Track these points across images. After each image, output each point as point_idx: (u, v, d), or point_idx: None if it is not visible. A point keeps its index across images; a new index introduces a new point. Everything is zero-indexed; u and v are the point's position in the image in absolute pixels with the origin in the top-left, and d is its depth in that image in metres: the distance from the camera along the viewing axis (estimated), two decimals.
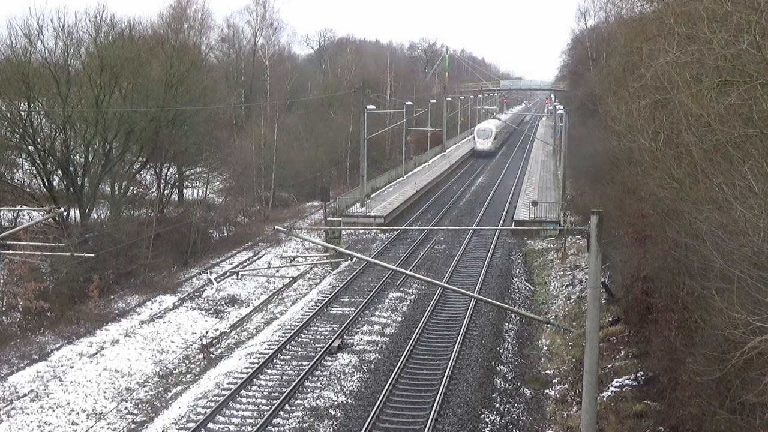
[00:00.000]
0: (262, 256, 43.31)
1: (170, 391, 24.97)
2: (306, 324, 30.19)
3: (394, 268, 16.32)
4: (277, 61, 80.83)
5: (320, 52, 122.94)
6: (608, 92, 32.35)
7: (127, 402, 23.92)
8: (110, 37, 43.24)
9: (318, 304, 33.25)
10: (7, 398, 23.70)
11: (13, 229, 21.80)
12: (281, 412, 22.18)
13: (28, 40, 39.76)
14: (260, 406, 22.75)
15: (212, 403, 22.76)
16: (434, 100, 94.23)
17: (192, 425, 21.27)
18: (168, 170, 47.96)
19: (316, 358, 26.13)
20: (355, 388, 23.93)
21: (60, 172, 38.93)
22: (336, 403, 22.82)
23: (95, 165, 39.77)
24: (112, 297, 34.57)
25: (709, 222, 13.77)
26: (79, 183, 38.91)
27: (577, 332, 16.71)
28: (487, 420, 21.87)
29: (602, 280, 29.69)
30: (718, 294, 13.21)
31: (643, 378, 22.79)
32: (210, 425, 21.47)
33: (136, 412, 23.29)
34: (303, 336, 29.17)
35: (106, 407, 23.39)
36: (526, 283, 37.97)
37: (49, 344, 28.59)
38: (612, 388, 22.93)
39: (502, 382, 24.72)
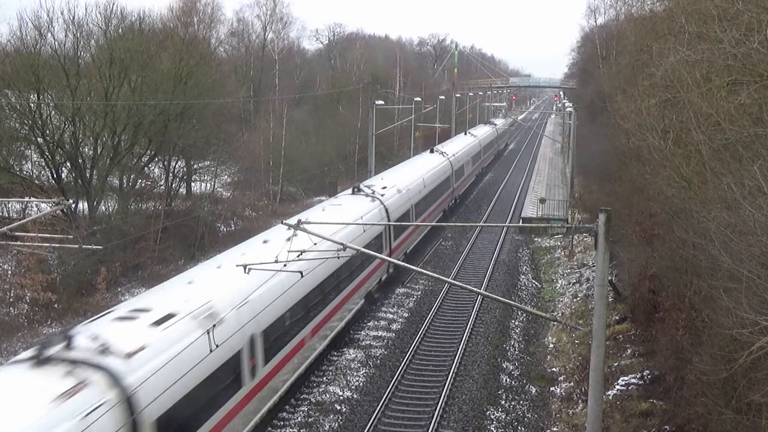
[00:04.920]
0: None
1: None
2: None
3: (401, 263, 16.31)
4: (286, 55, 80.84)
5: (329, 47, 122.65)
6: (617, 90, 32.22)
7: None
8: (120, 30, 43.45)
9: None
10: None
11: (22, 220, 21.88)
12: (286, 406, 22.21)
13: (38, 32, 39.97)
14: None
15: None
16: (443, 97, 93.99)
17: None
18: (176, 164, 48.10)
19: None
20: (361, 384, 23.96)
21: (68, 164, 39.07)
22: (342, 398, 22.85)
23: (104, 157, 39.89)
24: (119, 289, 34.69)
25: (718, 221, 13.72)
26: (88, 175, 39.03)
27: (584, 330, 16.70)
28: (492, 417, 21.87)
29: (609, 278, 29.67)
30: (726, 293, 13.15)
31: (649, 377, 22.74)
32: None
33: None
34: None
35: None
36: (533, 281, 37.89)
37: None
38: (618, 387, 22.90)
39: (508, 379, 24.70)
